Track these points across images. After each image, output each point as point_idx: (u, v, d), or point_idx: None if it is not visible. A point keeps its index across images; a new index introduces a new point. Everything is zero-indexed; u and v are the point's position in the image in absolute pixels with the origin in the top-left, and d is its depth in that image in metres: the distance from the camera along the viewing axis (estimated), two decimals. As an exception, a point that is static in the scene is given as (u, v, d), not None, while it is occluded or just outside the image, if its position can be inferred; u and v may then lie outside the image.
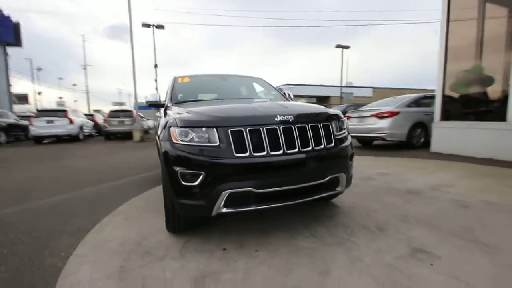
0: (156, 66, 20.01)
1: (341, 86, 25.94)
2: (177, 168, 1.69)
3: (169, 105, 2.69)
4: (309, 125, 1.86)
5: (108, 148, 9.28)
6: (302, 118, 1.85)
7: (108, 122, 12.90)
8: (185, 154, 1.68)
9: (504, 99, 4.82)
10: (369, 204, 2.60)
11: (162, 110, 2.89)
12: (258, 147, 1.69)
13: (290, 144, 1.76)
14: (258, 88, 3.47)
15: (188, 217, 1.96)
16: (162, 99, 3.18)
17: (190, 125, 1.75)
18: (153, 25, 19.33)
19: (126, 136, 12.62)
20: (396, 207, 2.52)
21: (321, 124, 1.92)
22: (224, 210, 1.69)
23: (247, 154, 1.66)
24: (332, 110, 2.18)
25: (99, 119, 17.15)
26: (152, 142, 11.08)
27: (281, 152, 1.72)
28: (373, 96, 29.82)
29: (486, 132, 4.91)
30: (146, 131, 14.33)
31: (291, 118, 1.80)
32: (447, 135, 5.65)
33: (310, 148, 1.82)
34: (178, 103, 2.67)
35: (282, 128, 1.76)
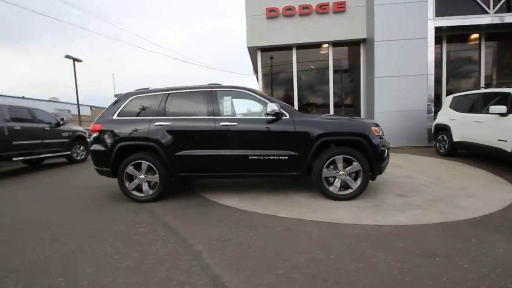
0: None
1: (79, 104, 19.16)
2: (383, 148, 3.34)
3: (292, 112, 3.46)
4: None
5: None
6: None
7: None
8: (383, 140, 3.42)
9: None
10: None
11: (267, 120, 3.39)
12: None
13: None
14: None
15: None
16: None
17: (379, 125, 3.54)
18: None
19: None
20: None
21: None
22: None
23: None
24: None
25: None
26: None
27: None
28: (92, 114, 28.48)
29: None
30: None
31: None
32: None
33: None
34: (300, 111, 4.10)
35: None
